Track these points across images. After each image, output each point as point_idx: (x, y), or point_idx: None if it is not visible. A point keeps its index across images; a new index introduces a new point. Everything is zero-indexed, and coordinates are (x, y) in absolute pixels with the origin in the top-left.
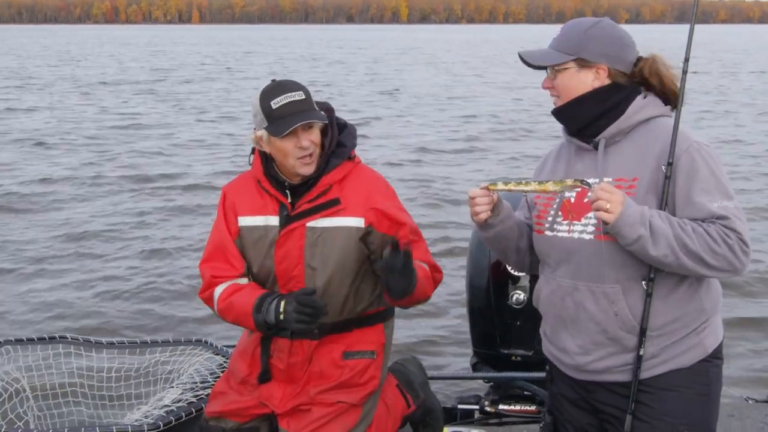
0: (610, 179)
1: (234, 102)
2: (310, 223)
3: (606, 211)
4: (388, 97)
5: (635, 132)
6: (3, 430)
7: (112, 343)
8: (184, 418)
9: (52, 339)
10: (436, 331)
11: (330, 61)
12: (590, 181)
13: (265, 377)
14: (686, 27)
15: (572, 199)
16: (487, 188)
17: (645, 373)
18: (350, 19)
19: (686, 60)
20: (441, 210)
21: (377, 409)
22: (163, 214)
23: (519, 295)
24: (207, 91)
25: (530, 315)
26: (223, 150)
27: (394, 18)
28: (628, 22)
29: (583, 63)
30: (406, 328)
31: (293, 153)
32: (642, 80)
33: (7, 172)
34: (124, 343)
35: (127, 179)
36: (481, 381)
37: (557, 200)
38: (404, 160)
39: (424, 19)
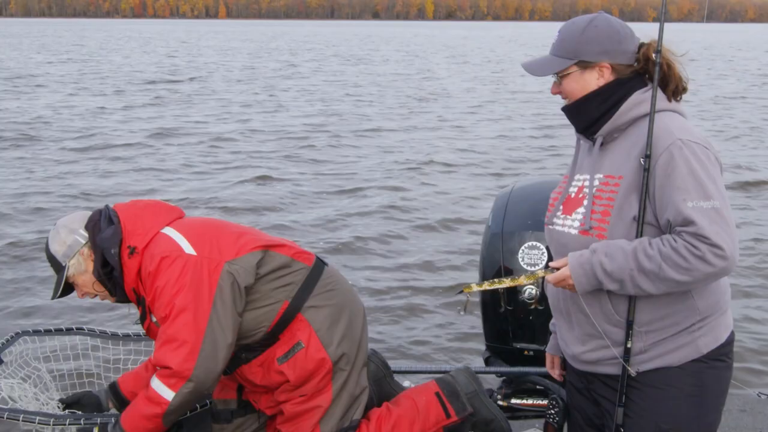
0: (601, 176)
1: None
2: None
3: (567, 285)
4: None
5: (632, 128)
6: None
7: (128, 335)
8: (198, 410)
9: (69, 330)
10: (449, 326)
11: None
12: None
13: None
14: (714, 26)
15: (572, 195)
16: (461, 292)
17: (633, 368)
18: (376, 16)
19: (657, 52)
20: (457, 206)
21: (402, 404)
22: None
23: (531, 290)
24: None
25: (542, 310)
26: None
27: (420, 14)
28: (655, 20)
29: (584, 64)
30: (420, 322)
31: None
32: (646, 67)
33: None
34: (141, 335)
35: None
36: (493, 375)
37: (560, 197)
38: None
39: (449, 15)
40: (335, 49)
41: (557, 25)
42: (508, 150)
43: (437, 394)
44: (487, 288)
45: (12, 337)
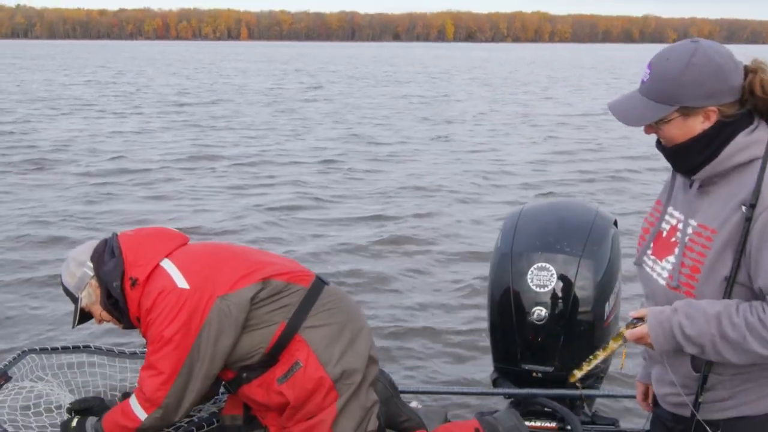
0: (695, 224)
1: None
2: None
3: (645, 342)
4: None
5: (735, 174)
6: None
7: (134, 353)
8: (206, 428)
9: (75, 348)
10: (456, 346)
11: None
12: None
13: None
14: (736, 47)
15: (665, 233)
16: (571, 383)
17: (716, 414)
18: (396, 37)
19: None
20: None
21: None
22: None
23: (541, 311)
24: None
25: (551, 331)
26: None
27: (440, 36)
28: (675, 41)
29: (687, 111)
30: (428, 342)
31: None
32: (753, 102)
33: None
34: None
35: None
36: (501, 397)
37: (652, 231)
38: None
39: (469, 37)
40: (357, 71)
41: (578, 47)
42: (536, 172)
43: (476, 431)
44: (588, 369)
45: (19, 355)
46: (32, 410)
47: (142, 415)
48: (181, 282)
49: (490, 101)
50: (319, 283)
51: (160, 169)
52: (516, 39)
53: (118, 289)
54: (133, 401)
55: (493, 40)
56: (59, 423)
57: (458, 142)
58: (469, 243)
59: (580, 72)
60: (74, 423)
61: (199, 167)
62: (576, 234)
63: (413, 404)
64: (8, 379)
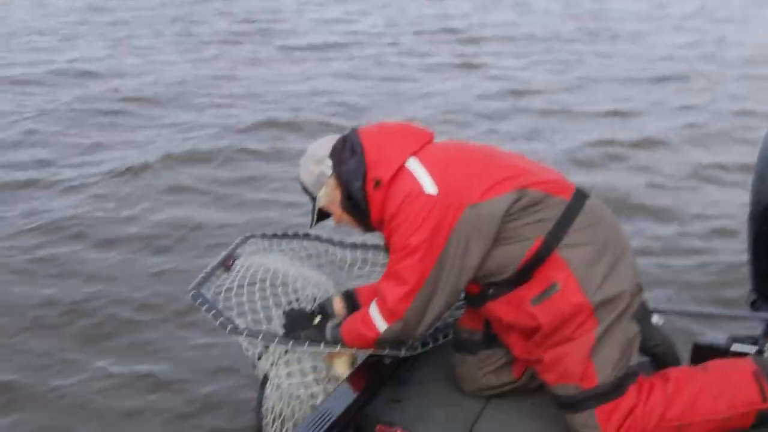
0: None
1: None
2: None
3: None
4: None
5: None
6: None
7: (355, 245)
8: (441, 341)
9: (296, 235)
10: (705, 263)
11: None
12: None
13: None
14: None
15: None
16: None
17: None
18: None
19: None
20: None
21: (711, 372)
22: None
23: None
24: None
25: None
26: None
27: None
28: None
29: None
30: (676, 258)
31: None
32: None
33: None
34: (369, 246)
35: None
36: (759, 322)
37: None
38: None
39: None
40: None
41: None
42: None
43: (755, 373)
44: None
45: (242, 240)
46: (258, 285)
47: (382, 326)
48: (429, 186)
49: None
50: (580, 195)
51: None
52: None
53: (360, 190)
54: (374, 310)
55: None
56: (294, 305)
57: None
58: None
59: None
60: (316, 321)
61: None
62: None
63: (654, 319)
64: (235, 260)
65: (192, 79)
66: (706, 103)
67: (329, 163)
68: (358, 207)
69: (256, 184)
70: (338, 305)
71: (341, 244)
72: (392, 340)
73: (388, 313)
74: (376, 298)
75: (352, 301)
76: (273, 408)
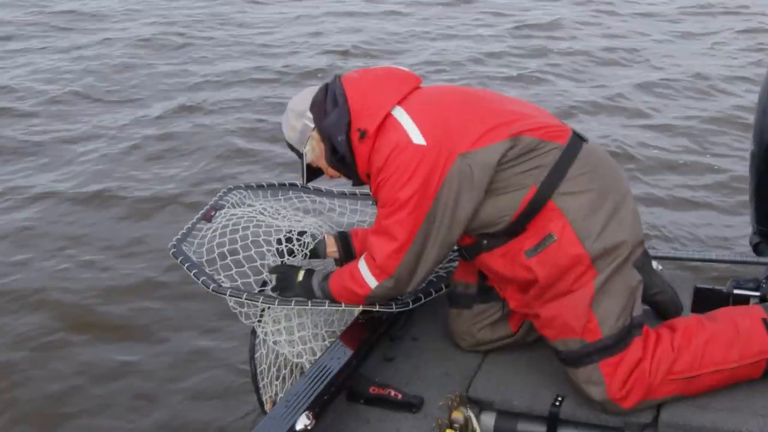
0: None
1: None
2: None
3: None
4: None
5: None
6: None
7: (343, 193)
8: (434, 295)
9: (281, 185)
10: (708, 208)
11: None
12: None
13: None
14: None
15: None
16: None
17: None
18: None
19: None
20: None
21: (720, 321)
22: None
23: None
24: None
25: None
26: None
27: None
28: None
29: None
30: (678, 205)
31: None
32: None
33: None
34: (358, 194)
35: None
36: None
37: None
38: None
39: None
40: None
41: None
42: None
43: (765, 321)
44: None
45: (225, 192)
46: (239, 233)
47: (372, 282)
48: (417, 136)
49: None
50: (577, 139)
51: None
52: None
53: (344, 144)
54: (363, 266)
55: None
56: (277, 255)
57: None
58: None
59: None
60: (300, 277)
61: None
62: None
63: (654, 265)
64: (217, 210)
65: None
66: None
67: (310, 116)
68: (343, 161)
69: None
70: (332, 247)
71: (330, 194)
72: (383, 297)
73: (378, 270)
74: (365, 254)
75: (347, 243)
76: (267, 356)
